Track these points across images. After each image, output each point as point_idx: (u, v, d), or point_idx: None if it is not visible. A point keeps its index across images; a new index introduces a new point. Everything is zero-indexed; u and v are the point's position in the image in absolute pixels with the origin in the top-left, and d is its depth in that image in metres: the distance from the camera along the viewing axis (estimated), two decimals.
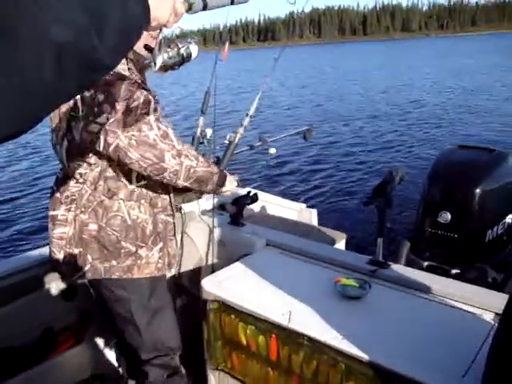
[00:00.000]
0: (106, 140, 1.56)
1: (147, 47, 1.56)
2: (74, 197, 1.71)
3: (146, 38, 1.52)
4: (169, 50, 1.31)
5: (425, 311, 1.78)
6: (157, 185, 1.79)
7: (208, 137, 2.46)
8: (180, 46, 1.34)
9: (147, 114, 1.57)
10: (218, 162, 2.37)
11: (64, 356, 2.32)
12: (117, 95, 1.53)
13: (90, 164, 1.68)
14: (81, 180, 1.70)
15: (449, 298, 1.82)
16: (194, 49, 1.41)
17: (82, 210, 1.70)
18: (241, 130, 2.45)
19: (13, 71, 0.55)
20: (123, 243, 1.74)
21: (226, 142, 2.48)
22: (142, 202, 1.76)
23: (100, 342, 2.46)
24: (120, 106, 1.54)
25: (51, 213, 1.77)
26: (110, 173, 1.70)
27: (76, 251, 1.73)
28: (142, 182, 1.75)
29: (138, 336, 1.86)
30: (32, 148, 11.97)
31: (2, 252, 6.00)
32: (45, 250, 2.32)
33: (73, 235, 1.72)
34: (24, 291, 2.16)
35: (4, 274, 2.14)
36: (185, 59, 1.38)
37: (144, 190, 1.77)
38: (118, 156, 1.59)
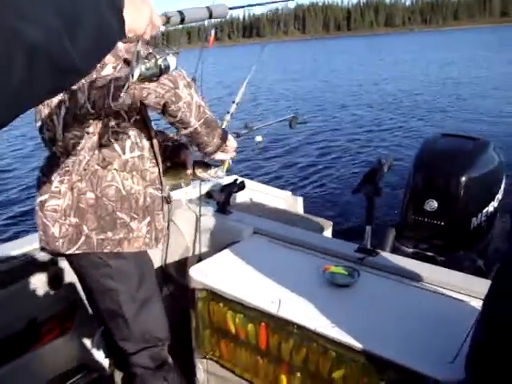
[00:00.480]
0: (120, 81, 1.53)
1: (126, 61, 1.55)
2: (67, 168, 1.67)
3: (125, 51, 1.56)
4: (146, 61, 1.29)
5: (413, 298, 1.79)
6: (146, 158, 1.78)
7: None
8: (158, 57, 1.33)
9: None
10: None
11: (49, 346, 2.29)
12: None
13: (87, 133, 1.65)
14: (74, 152, 1.66)
15: (437, 285, 1.84)
16: (172, 60, 1.40)
17: (79, 178, 1.67)
18: (227, 117, 2.42)
19: None
20: (118, 213, 1.72)
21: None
22: (134, 173, 1.75)
23: (86, 331, 2.43)
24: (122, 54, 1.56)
25: (40, 197, 1.73)
26: (105, 141, 1.67)
27: (73, 221, 1.69)
28: (135, 153, 1.73)
29: (126, 327, 1.83)
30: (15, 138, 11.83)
31: None
32: (28, 239, 2.29)
33: (68, 206, 1.69)
34: (8, 281, 2.13)
35: None
36: (162, 71, 1.36)
37: (136, 162, 1.75)
38: (134, 93, 1.55)
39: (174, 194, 2.57)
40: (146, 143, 1.78)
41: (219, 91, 18.13)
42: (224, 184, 2.60)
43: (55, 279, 2.29)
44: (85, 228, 1.70)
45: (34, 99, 0.66)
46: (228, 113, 2.44)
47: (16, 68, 0.57)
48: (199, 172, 2.06)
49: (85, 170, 1.67)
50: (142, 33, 0.99)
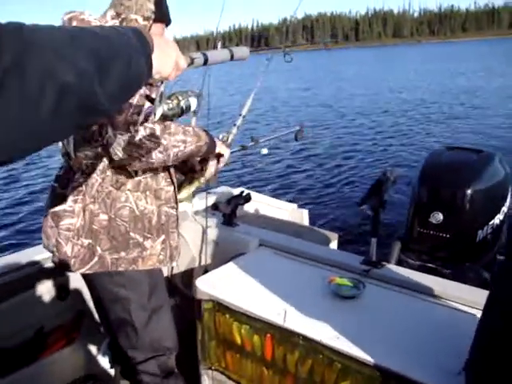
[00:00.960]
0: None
1: (148, 98, 1.60)
2: (80, 188, 1.70)
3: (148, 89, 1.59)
4: (169, 101, 1.34)
5: (419, 310, 1.80)
6: (161, 177, 1.80)
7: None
8: (180, 98, 1.37)
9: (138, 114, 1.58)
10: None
11: (56, 356, 2.31)
12: None
13: (98, 153, 1.67)
14: (87, 171, 1.69)
15: (442, 298, 1.84)
16: (193, 101, 1.46)
17: (92, 200, 1.69)
18: (234, 130, 2.45)
19: (15, 101, 0.57)
20: (132, 234, 1.75)
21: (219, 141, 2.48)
22: (148, 193, 1.77)
23: (92, 341, 2.45)
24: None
25: (54, 209, 1.75)
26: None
27: (85, 242, 1.72)
28: (148, 174, 1.76)
29: (135, 336, 1.85)
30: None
31: None
32: (37, 249, 2.31)
33: (81, 226, 1.71)
34: (16, 290, 2.15)
35: None
36: (184, 111, 1.41)
37: (149, 182, 1.77)
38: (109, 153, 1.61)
39: (180, 206, 2.59)
40: None
41: (226, 103, 18.23)
42: (230, 196, 2.62)
43: (63, 289, 2.31)
44: (98, 249, 1.73)
45: (58, 134, 0.69)
46: (234, 125, 2.46)
47: (46, 103, 0.60)
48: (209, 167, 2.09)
49: (98, 192, 1.70)
50: (168, 75, 1.02)
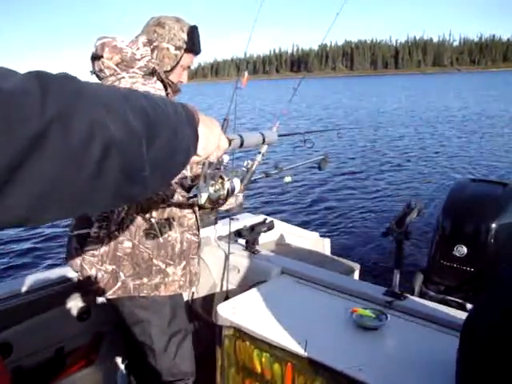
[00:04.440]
0: None
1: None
2: (105, 214, 1.73)
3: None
4: (213, 182, 1.30)
5: (441, 344, 1.77)
6: (184, 204, 1.82)
7: (225, 163, 2.48)
8: (225, 178, 1.36)
9: None
10: (234, 189, 2.40)
11: (74, 377, 2.31)
12: None
13: None
14: None
15: None
16: (237, 182, 1.45)
17: (116, 227, 1.72)
18: (258, 158, 2.47)
19: (57, 155, 0.52)
20: (155, 261, 1.77)
21: (244, 168, 2.50)
22: (171, 220, 1.80)
23: (111, 364, 2.45)
24: None
25: (79, 231, 1.79)
26: None
27: (109, 268, 1.75)
28: (172, 201, 1.78)
29: (154, 360, 1.86)
30: None
31: (17, 270, 6.02)
32: (60, 270, 2.34)
33: (105, 252, 1.74)
34: (38, 310, 2.17)
35: (20, 292, 2.16)
36: (229, 193, 1.39)
37: (173, 209, 1.80)
38: None
39: (204, 232, 2.61)
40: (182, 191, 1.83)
41: (256, 125, 18.30)
42: (253, 223, 2.63)
43: (83, 310, 2.32)
44: (121, 275, 1.75)
45: (95, 201, 0.62)
46: (259, 153, 2.48)
47: (90, 159, 0.55)
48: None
49: (123, 219, 1.73)
50: (210, 154, 0.99)
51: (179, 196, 1.82)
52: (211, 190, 1.28)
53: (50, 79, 0.55)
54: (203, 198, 1.14)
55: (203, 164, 1.10)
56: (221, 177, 1.33)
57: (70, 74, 0.59)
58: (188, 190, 1.89)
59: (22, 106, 0.49)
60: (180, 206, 1.82)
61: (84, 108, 0.56)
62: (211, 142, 0.97)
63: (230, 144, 1.12)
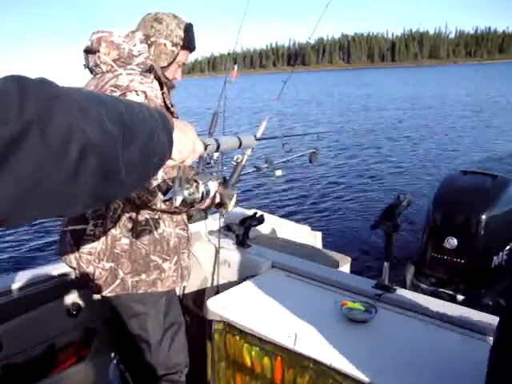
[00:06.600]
0: None
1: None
2: (100, 212, 1.72)
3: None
4: (188, 186, 1.33)
5: (431, 336, 1.78)
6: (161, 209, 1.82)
7: (215, 158, 2.48)
8: (200, 182, 1.38)
9: None
10: (224, 182, 2.39)
11: (66, 373, 2.31)
12: None
13: None
14: None
15: (456, 324, 1.82)
16: (212, 185, 1.47)
17: (113, 224, 1.72)
18: (248, 152, 2.46)
19: (35, 155, 0.53)
20: (152, 256, 1.78)
21: (234, 163, 2.49)
22: (165, 216, 1.81)
23: (103, 359, 2.45)
24: None
25: (74, 227, 1.78)
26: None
27: (107, 266, 1.74)
28: (166, 197, 1.78)
29: (149, 353, 1.86)
30: None
31: (7, 267, 6.00)
32: (50, 267, 2.33)
33: (102, 250, 1.73)
34: (28, 307, 2.16)
35: (10, 288, 2.15)
36: (203, 196, 1.42)
37: (167, 204, 1.79)
38: None
39: (194, 226, 2.60)
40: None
41: (248, 120, 18.26)
42: (243, 217, 2.63)
43: (74, 306, 2.32)
44: (120, 272, 1.75)
45: (72, 199, 0.63)
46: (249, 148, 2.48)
47: (67, 159, 0.57)
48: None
49: (119, 217, 1.72)
50: (185, 158, 1.01)
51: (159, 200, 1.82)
52: (186, 193, 1.30)
53: (28, 83, 0.56)
54: (178, 201, 1.15)
55: (179, 168, 1.11)
56: (195, 181, 1.37)
57: (48, 79, 0.61)
58: (164, 193, 1.91)
59: (1, 107, 0.51)
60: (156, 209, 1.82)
61: (61, 111, 0.57)
62: (186, 146, 0.99)
63: (205, 148, 1.14)
